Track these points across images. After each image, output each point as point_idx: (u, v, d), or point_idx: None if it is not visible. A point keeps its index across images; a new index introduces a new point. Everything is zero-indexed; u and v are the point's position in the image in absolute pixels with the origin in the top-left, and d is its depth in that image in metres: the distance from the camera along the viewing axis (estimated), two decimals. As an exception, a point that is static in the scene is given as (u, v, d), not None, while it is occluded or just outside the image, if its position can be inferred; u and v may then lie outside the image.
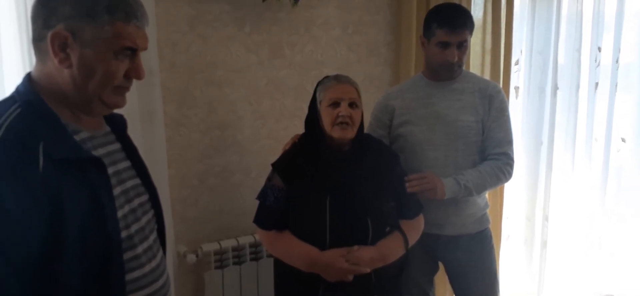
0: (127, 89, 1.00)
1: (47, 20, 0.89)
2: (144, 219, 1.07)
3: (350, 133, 1.49)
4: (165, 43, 1.90)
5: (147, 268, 1.03)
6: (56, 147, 0.86)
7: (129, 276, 0.98)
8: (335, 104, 1.48)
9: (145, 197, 1.10)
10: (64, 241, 0.85)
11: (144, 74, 0.99)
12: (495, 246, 1.95)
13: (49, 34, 0.88)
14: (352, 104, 1.49)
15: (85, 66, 0.91)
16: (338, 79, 1.53)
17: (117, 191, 0.99)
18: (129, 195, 1.04)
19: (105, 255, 0.91)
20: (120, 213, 0.97)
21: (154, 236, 1.11)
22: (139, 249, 1.02)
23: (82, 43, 0.89)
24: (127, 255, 0.98)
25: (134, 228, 1.01)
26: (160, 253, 1.13)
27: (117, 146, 1.07)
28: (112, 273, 0.93)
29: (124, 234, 0.97)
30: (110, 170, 0.98)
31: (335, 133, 1.48)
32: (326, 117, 1.49)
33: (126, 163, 1.07)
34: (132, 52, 0.96)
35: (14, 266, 0.81)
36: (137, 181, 1.09)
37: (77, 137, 0.94)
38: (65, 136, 0.90)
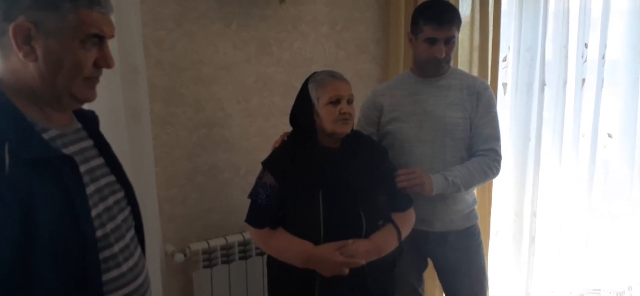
0: (97, 80, 0.97)
1: (7, 13, 0.85)
2: (120, 217, 1.04)
3: (350, 128, 1.52)
4: (150, 40, 1.88)
5: (124, 267, 1.01)
6: (23, 147, 0.83)
7: (107, 276, 0.96)
8: (336, 102, 1.48)
9: (120, 194, 1.07)
10: (37, 242, 0.82)
11: (113, 62, 0.96)
12: (484, 242, 1.96)
13: (11, 27, 0.84)
14: (350, 100, 1.52)
15: (52, 58, 0.88)
16: (333, 75, 1.52)
17: (90, 189, 0.96)
18: (104, 193, 1.01)
19: (81, 255, 0.89)
20: (94, 212, 0.94)
21: (131, 234, 1.08)
22: (116, 248, 0.99)
23: (46, 33, 0.86)
24: (103, 254, 0.95)
25: (109, 226, 0.99)
26: (138, 251, 1.10)
27: (89, 142, 1.04)
28: (89, 273, 0.90)
29: (99, 233, 0.95)
30: (82, 168, 0.95)
31: (339, 128, 1.49)
32: (327, 115, 1.49)
33: (99, 160, 1.04)
34: (100, 39, 0.93)
35: None
36: (112, 178, 1.06)
37: (45, 136, 0.90)
38: (33, 135, 0.87)
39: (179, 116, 1.99)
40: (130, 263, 1.03)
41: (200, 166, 2.06)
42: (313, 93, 1.52)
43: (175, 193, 2.03)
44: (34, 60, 0.87)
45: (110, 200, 1.02)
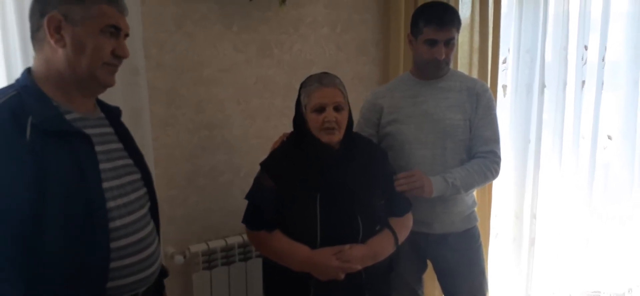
0: (115, 68, 1.12)
1: (43, 11, 1.03)
2: (133, 196, 1.16)
3: (337, 136, 1.48)
4: (151, 42, 1.88)
5: (133, 238, 1.12)
6: (44, 120, 0.99)
7: (115, 244, 1.07)
8: (321, 110, 1.46)
9: (136, 176, 1.20)
10: (50, 205, 0.95)
11: (128, 52, 1.12)
12: (483, 244, 1.96)
13: (46, 18, 1.02)
14: (338, 108, 1.47)
15: (77, 43, 1.04)
16: (321, 81, 1.48)
17: (105, 166, 1.09)
18: (119, 172, 1.14)
19: (89, 221, 1.01)
20: (106, 185, 1.07)
21: (143, 211, 1.19)
22: (126, 220, 1.11)
23: (73, 23, 1.04)
24: (114, 224, 1.07)
25: (121, 201, 1.11)
26: (150, 227, 1.20)
27: (110, 130, 1.19)
28: (97, 238, 1.03)
29: (111, 204, 1.07)
30: (100, 148, 1.09)
31: (323, 138, 1.47)
32: (312, 122, 1.47)
33: (118, 145, 1.19)
34: (116, 31, 1.09)
35: (5, 225, 0.91)
36: (129, 161, 1.20)
37: (68, 117, 1.05)
38: (54, 113, 1.03)
39: (179, 118, 1.99)
40: (141, 234, 1.15)
41: (200, 167, 2.06)
42: (302, 99, 1.51)
43: (175, 194, 2.03)
44: (63, 46, 1.04)
45: (125, 179, 1.15)
